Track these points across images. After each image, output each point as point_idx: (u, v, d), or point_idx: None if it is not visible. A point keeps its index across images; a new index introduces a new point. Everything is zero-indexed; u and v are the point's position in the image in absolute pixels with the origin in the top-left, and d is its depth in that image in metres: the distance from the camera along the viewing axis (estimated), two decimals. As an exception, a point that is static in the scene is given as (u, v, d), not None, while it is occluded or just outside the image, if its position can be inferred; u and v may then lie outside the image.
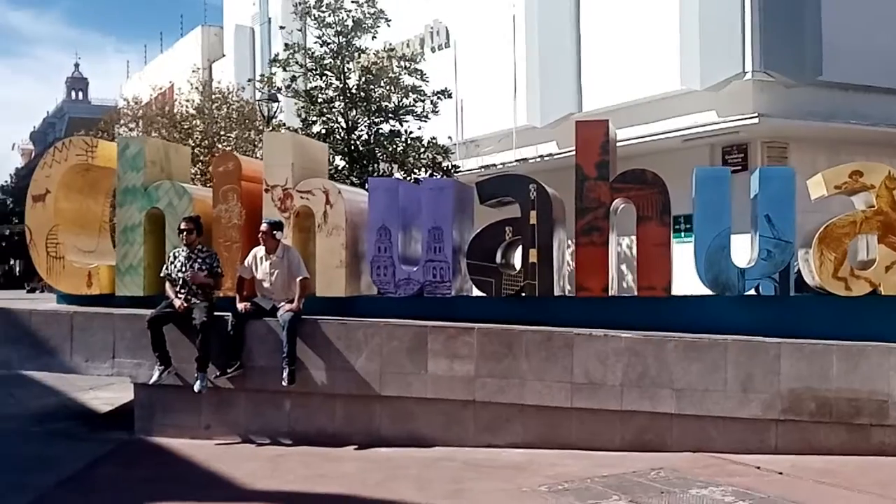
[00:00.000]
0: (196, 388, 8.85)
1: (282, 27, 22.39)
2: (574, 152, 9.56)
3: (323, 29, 18.64)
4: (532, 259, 9.33)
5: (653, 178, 9.22)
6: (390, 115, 18.77)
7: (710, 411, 8.41)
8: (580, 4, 19.19)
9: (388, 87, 18.71)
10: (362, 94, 18.55)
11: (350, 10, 18.50)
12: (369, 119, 18.76)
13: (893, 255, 8.70)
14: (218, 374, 8.90)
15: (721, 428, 8.44)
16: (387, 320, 9.08)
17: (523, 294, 9.37)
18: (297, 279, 9.12)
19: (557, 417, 8.68)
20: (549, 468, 7.85)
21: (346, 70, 18.57)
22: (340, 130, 18.63)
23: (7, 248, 67.24)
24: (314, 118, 18.74)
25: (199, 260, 9.19)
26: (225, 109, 26.74)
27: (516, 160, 20.26)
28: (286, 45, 19.78)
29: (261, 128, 22.64)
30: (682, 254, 9.48)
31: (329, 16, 18.55)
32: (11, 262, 72.21)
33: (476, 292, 9.69)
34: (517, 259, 9.75)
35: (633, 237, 9.50)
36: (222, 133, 25.97)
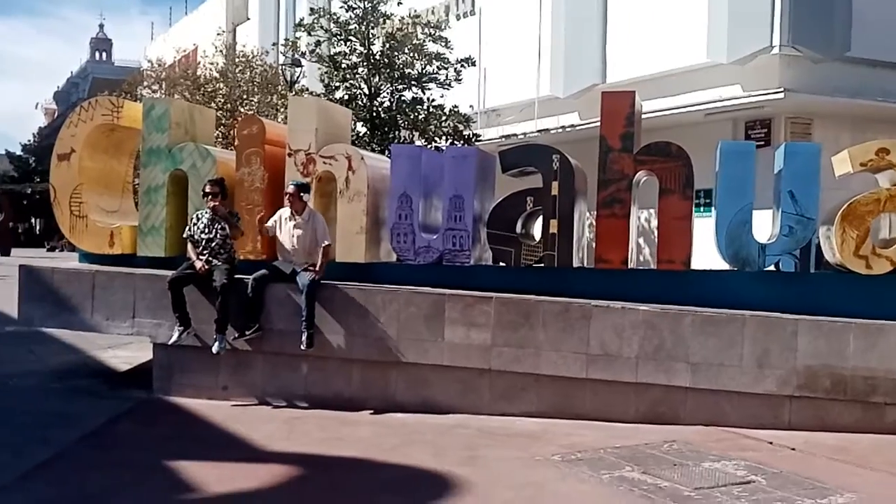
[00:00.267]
0: (214, 349, 8.93)
1: (307, -9, 22.31)
2: (598, 123, 9.54)
3: (348, -7, 18.57)
4: (552, 230, 9.32)
5: (677, 150, 9.17)
6: (413, 82, 18.73)
7: (725, 386, 8.42)
8: (607, -26, 19.04)
9: (411, 55, 18.64)
10: (386, 60, 18.50)
11: (376, -25, 18.41)
12: (392, 86, 18.72)
13: (916, 235, 8.66)
14: (237, 335, 8.97)
15: (735, 403, 8.45)
16: (405, 287, 9.12)
17: (542, 264, 9.39)
18: (322, 245, 9.16)
19: (572, 388, 8.71)
20: (563, 438, 7.89)
21: (370, 36, 18.50)
22: (363, 97, 18.61)
23: (28, 206, 67.62)
24: (337, 84, 18.72)
25: (222, 223, 9.22)
26: (248, 73, 26.73)
27: (538, 130, 20.18)
28: (311, 9, 19.74)
29: (283, 92, 22.61)
30: (700, 228, 9.44)
31: (355, -20, 18.47)
32: (32, 220, 72.70)
33: (495, 261, 9.70)
34: (537, 230, 9.74)
35: (651, 210, 9.47)
36: (245, 97, 25.98)
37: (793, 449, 7.65)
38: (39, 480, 6.23)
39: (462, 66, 18.86)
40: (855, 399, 8.27)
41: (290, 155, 9.87)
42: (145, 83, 31.38)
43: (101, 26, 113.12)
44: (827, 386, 8.28)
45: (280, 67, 24.01)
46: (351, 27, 18.63)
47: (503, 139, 20.47)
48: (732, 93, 16.43)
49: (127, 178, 11.48)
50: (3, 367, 10.64)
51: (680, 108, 16.74)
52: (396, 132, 18.41)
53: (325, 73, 18.98)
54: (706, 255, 9.57)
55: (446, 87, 18.83)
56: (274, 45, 28.59)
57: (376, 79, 18.60)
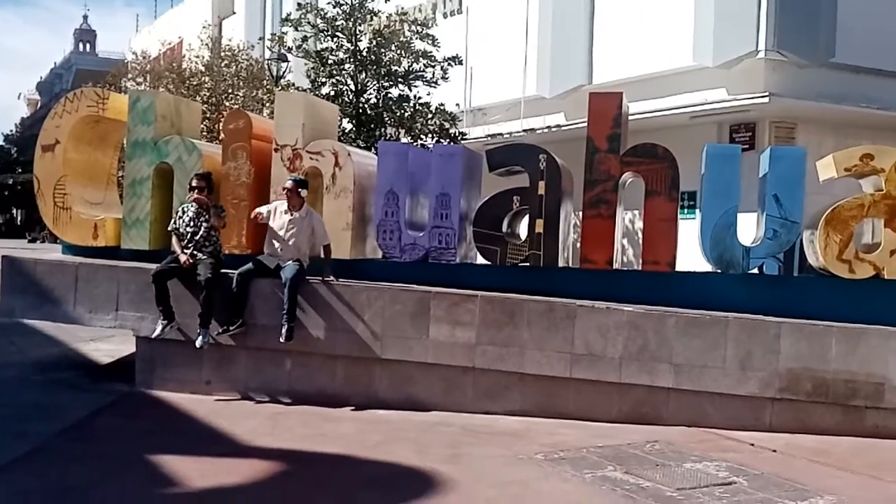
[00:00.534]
0: (198, 343, 8.89)
1: (294, -14, 22.22)
2: (584, 124, 9.55)
3: (336, -11, 18.53)
4: (538, 229, 9.33)
5: (663, 153, 9.20)
6: (400, 79, 18.71)
7: (708, 387, 8.45)
8: (595, -25, 19.08)
9: (398, 52, 18.63)
10: (373, 57, 18.48)
11: (364, -28, 18.39)
12: (378, 83, 18.70)
13: (899, 240, 8.70)
14: (220, 330, 8.92)
15: (717, 404, 8.49)
16: (390, 284, 9.11)
17: (528, 264, 9.39)
18: (322, 244, 9.17)
19: (556, 387, 8.72)
20: (546, 437, 7.90)
21: (357, 32, 18.48)
22: (349, 93, 18.58)
23: (9, 197, 67.16)
24: (323, 79, 18.68)
25: (207, 216, 9.17)
26: (234, 67, 26.58)
27: (523, 130, 20.20)
28: (298, 4, 19.68)
29: (269, 87, 22.54)
30: (685, 230, 9.47)
31: (343, -24, 18.43)
32: (14, 211, 72.20)
33: (481, 260, 9.70)
34: (523, 229, 9.74)
35: (637, 211, 9.49)
36: (230, 91, 25.83)
37: (774, 451, 7.69)
38: (18, 473, 6.18)
39: (449, 64, 18.87)
40: (836, 402, 8.32)
41: (276, 150, 9.83)
42: (130, 75, 31.19)
43: (86, 17, 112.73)
44: (808, 389, 8.32)
45: (266, 62, 23.96)
46: (338, 23, 18.59)
47: (489, 138, 20.48)
48: (718, 96, 16.50)
49: (112, 171, 11.41)
50: (-17, 359, 10.57)
51: (666, 110, 16.80)
52: (382, 129, 18.40)
53: (312, 68, 18.95)
54: (690, 256, 9.60)
55: (433, 84, 18.83)
56: (260, 39, 28.49)
57: (363, 75, 18.58)
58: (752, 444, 7.89)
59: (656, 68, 17.08)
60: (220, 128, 13.24)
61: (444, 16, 23.36)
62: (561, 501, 6.02)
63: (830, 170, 9.09)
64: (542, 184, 9.36)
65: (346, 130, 18.26)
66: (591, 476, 6.65)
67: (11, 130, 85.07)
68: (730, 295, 8.94)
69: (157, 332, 9.01)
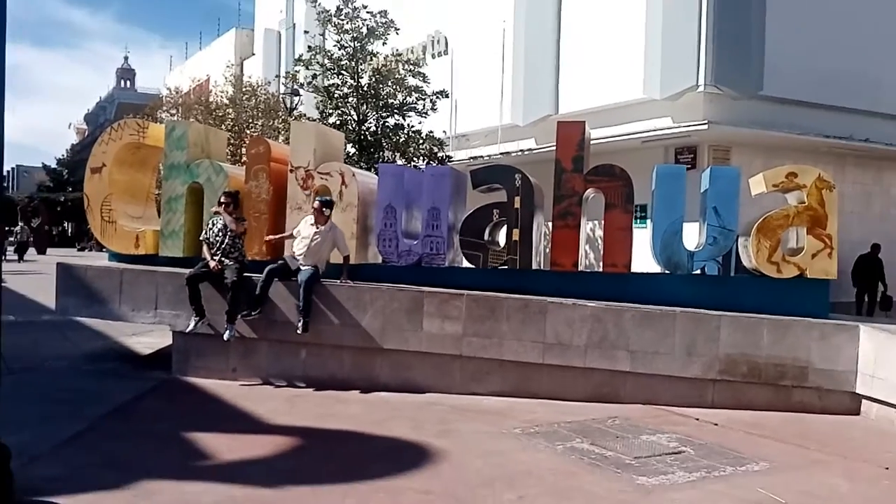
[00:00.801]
0: (225, 336, 8.85)
1: (305, 32, 22.19)
2: (552, 148, 9.56)
3: (341, 35, 18.46)
4: (515, 237, 9.34)
5: (620, 172, 9.22)
6: (395, 110, 18.66)
7: (659, 371, 8.47)
8: (561, 22, 19.03)
9: (394, 87, 18.57)
10: (372, 91, 18.42)
11: (365, 20, 18.34)
12: (377, 113, 18.64)
13: (819, 245, 8.75)
14: (243, 313, 8.90)
15: (667, 385, 8.51)
16: (389, 285, 9.07)
17: (506, 267, 9.39)
18: (344, 254, 9.15)
19: (531, 371, 8.72)
20: (523, 414, 7.89)
21: (359, 70, 18.42)
22: (352, 122, 18.51)
23: (62, 212, 66.66)
24: (330, 111, 18.61)
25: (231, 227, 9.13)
26: (253, 101, 26.51)
27: (500, 153, 20.15)
28: (309, 47, 19.61)
29: (284, 118, 22.46)
30: (638, 237, 9.49)
31: (346, 24, 18.37)
32: (65, 224, 71.68)
33: (466, 264, 9.69)
34: (502, 237, 9.73)
35: (598, 222, 9.49)
36: (251, 121, 25.76)
37: (716, 424, 7.71)
38: (74, 449, 6.13)
39: (437, 97, 18.84)
40: (767, 382, 8.36)
41: (291, 171, 9.81)
42: (164, 108, 31.07)
43: (126, 58, 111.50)
44: (744, 371, 8.36)
45: (281, 96, 23.88)
46: (343, 63, 18.53)
47: (471, 160, 20.41)
48: (664, 124, 16.49)
49: (150, 189, 11.35)
50: (41, 351, 10.47)
51: (621, 135, 16.77)
52: (381, 153, 18.35)
53: (320, 101, 18.87)
54: (643, 260, 9.63)
55: (423, 115, 18.79)
56: (276, 77, 28.38)
57: (364, 107, 18.51)
58: (697, 419, 7.91)
59: (613, 100, 17.08)
60: (244, 152, 13.17)
61: (433, 56, 23.29)
62: (537, 469, 6.00)
63: (761, 186, 9.14)
64: (517, 199, 9.37)
65: (350, 154, 18.19)
66: (562, 447, 6.65)
67: (63, 155, 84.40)
68: (677, 292, 8.96)
69: (191, 327, 8.98)
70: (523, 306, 8.69)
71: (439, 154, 19.16)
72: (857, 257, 16.79)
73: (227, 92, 27.88)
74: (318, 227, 9.09)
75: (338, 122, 18.33)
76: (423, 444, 6.58)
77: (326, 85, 18.90)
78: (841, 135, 17.01)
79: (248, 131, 24.61)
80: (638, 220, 10.32)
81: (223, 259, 9.01)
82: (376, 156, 18.06)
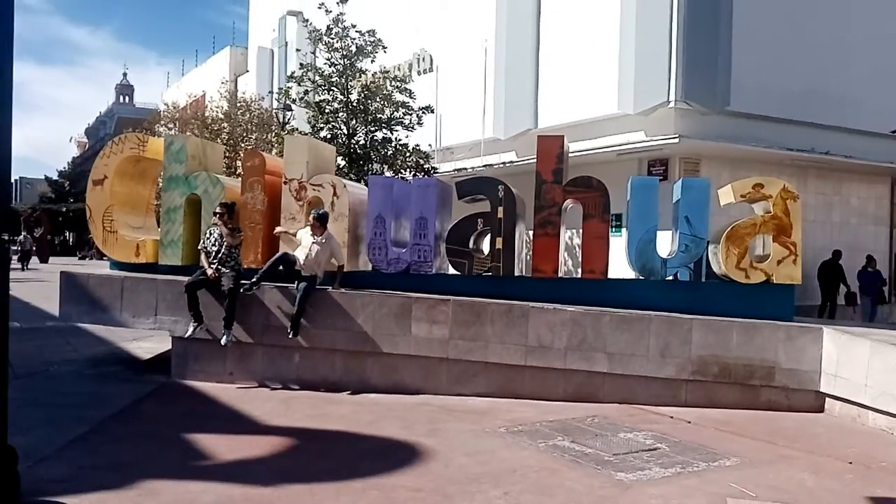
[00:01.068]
0: (223, 341, 8.81)
1: (297, 50, 22.14)
2: (532, 160, 9.60)
3: (331, 53, 18.41)
4: (498, 246, 9.36)
5: (597, 183, 9.27)
6: (383, 125, 18.61)
7: (635, 371, 8.50)
8: (539, 41, 19.10)
9: (382, 102, 18.54)
10: (361, 107, 18.37)
11: (354, 39, 18.30)
12: (366, 128, 18.59)
13: (784, 252, 8.82)
14: (245, 287, 8.88)
15: (643, 385, 8.54)
16: (379, 291, 9.07)
17: (490, 273, 9.40)
18: (339, 263, 9.15)
19: (514, 373, 8.72)
20: (507, 413, 7.89)
21: (348, 87, 18.38)
22: (343, 136, 18.45)
23: (63, 222, 66.04)
24: (321, 125, 18.54)
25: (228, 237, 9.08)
26: (248, 115, 26.40)
27: (483, 165, 20.16)
28: (300, 64, 19.54)
29: (276, 132, 22.38)
30: (615, 245, 9.53)
31: (336, 42, 18.32)
32: (66, 234, 71.01)
33: (452, 271, 9.69)
34: (486, 245, 9.76)
35: (576, 230, 9.51)
36: (245, 135, 25.65)
37: (689, 422, 7.75)
38: (78, 450, 6.07)
39: (423, 112, 18.82)
40: (737, 382, 8.41)
41: (285, 183, 9.78)
42: (162, 122, 30.88)
43: (125, 74, 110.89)
44: (715, 371, 8.40)
45: (274, 111, 23.83)
46: (333, 79, 18.47)
47: (456, 172, 20.41)
48: (638, 137, 16.56)
49: (150, 200, 11.28)
50: (45, 356, 10.38)
51: (598, 149, 16.83)
52: (370, 165, 18.29)
53: (312, 116, 18.79)
54: (619, 266, 9.67)
55: (410, 129, 18.77)
56: (269, 92, 28.35)
57: (353, 122, 18.45)
58: (672, 417, 7.95)
59: (589, 115, 17.14)
60: (239, 165, 13.11)
61: (419, 73, 23.30)
62: (521, 466, 6.00)
63: (729, 196, 9.21)
64: (500, 209, 9.39)
65: (341, 166, 18.11)
66: (544, 445, 6.66)
67: (64, 167, 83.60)
68: (652, 297, 9.02)
69: (189, 332, 8.93)
70: (507, 311, 8.70)
71: (425, 166, 19.14)
72: (819, 264, 16.95)
73: (223, 107, 27.75)
74: (315, 238, 9.09)
75: (329, 136, 18.27)
76: (412, 443, 6.57)
77: (318, 100, 18.83)
78: (803, 148, 17.16)
79: (242, 145, 24.50)
80: (614, 229, 10.39)
81: (220, 267, 8.96)
82: (365, 168, 18.01)
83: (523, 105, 19.28)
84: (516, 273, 9.50)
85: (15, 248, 36.00)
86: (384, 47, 18.60)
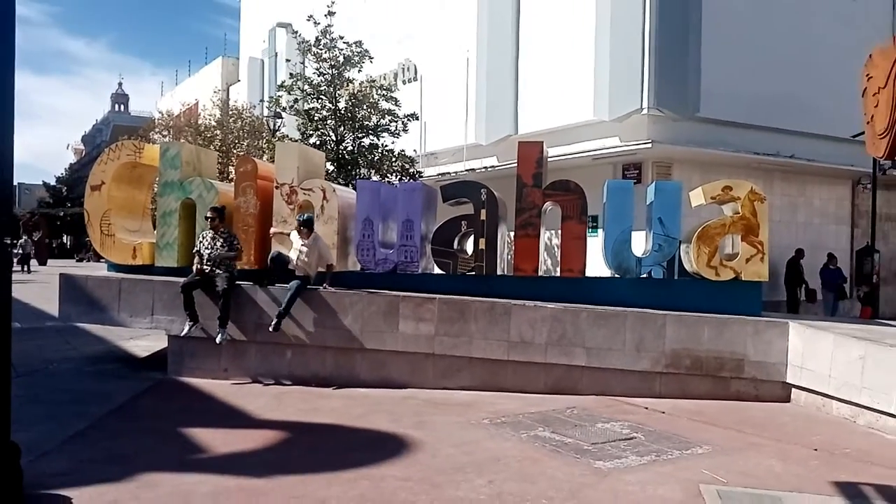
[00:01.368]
0: (217, 340, 8.78)
1: (287, 60, 22.03)
2: (513, 165, 9.62)
3: (320, 63, 18.37)
4: (481, 246, 9.38)
5: (575, 186, 9.31)
6: (370, 131, 18.58)
7: (612, 365, 8.55)
8: (519, 51, 19.15)
9: (369, 110, 18.51)
10: (349, 114, 18.34)
11: (342, 49, 18.26)
12: (354, 134, 18.55)
13: (752, 251, 8.90)
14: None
15: (619, 378, 8.59)
16: (368, 290, 9.06)
17: (474, 273, 9.41)
18: (327, 263, 9.16)
19: (497, 367, 8.75)
20: (490, 406, 7.91)
21: (336, 95, 18.33)
22: (331, 142, 18.41)
23: (61, 226, 65.43)
24: (311, 132, 18.49)
25: (221, 240, 9.07)
26: (239, 123, 26.29)
27: (466, 170, 20.19)
28: (290, 74, 19.48)
29: (267, 138, 22.28)
30: (591, 245, 9.57)
31: (325, 53, 18.28)
32: (64, 237, 70.33)
33: (437, 270, 9.69)
34: (470, 246, 9.76)
35: (555, 231, 9.55)
36: (237, 142, 25.53)
37: (663, 412, 7.79)
38: (79, 445, 6.02)
39: (408, 119, 18.81)
40: (708, 374, 8.48)
41: (277, 187, 9.75)
42: (157, 129, 30.65)
43: (120, 84, 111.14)
44: (687, 364, 8.46)
45: (265, 119, 23.69)
46: (321, 88, 18.43)
47: (440, 176, 20.44)
48: (613, 142, 16.66)
49: (146, 205, 11.22)
50: (45, 355, 10.27)
51: (574, 153, 16.90)
52: (358, 170, 18.25)
53: (301, 123, 18.73)
54: (596, 265, 9.71)
55: (396, 135, 18.75)
56: (260, 101, 28.19)
57: (341, 129, 18.41)
58: (647, 408, 7.99)
59: (566, 122, 17.21)
60: (231, 170, 13.04)
61: (404, 82, 23.30)
62: (504, 456, 6.01)
63: (700, 198, 9.28)
64: (483, 211, 9.42)
65: (330, 171, 18.06)
66: (526, 435, 6.68)
67: (62, 173, 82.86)
68: (627, 294, 9.07)
69: (185, 331, 8.88)
70: (489, 308, 8.72)
71: (411, 171, 19.13)
72: (787, 261, 17.13)
73: (215, 115, 27.63)
74: (303, 241, 9.09)
75: (318, 143, 18.22)
76: (401, 435, 6.57)
77: (307, 108, 18.78)
78: (769, 152, 17.35)
79: (234, 151, 24.40)
80: (591, 230, 10.44)
81: (214, 269, 8.92)
82: (353, 173, 17.97)
83: (504, 112, 19.33)
84: (499, 272, 9.53)
85: (16, 251, 35.63)
86: (371, 58, 18.57)
